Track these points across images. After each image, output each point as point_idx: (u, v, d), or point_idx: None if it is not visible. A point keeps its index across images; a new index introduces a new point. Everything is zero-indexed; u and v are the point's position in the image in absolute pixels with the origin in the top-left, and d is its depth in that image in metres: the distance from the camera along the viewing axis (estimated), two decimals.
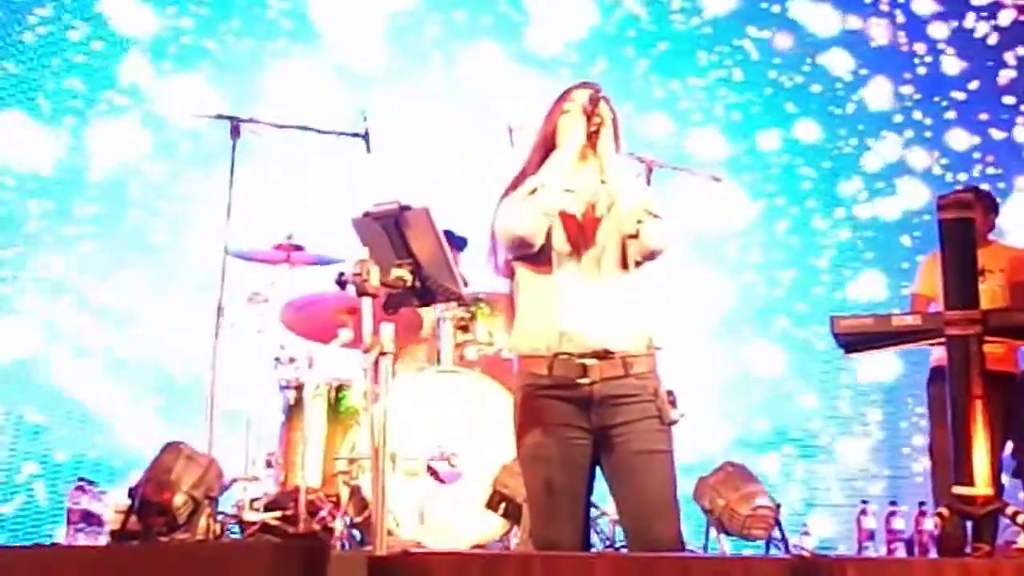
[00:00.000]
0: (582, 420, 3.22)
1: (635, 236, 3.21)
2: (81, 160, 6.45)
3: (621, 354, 3.21)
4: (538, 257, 3.26)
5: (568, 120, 3.33)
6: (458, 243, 5.39)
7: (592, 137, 3.29)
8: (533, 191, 3.21)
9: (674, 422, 3.22)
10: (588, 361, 3.20)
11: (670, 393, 3.23)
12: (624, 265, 3.27)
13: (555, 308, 3.22)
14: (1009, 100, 7.56)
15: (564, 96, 3.40)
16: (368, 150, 5.53)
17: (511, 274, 3.37)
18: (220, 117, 5.48)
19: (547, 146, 3.35)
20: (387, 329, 3.39)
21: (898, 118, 7.52)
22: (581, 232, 3.27)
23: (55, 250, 6.27)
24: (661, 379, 3.26)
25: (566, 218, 3.26)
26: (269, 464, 5.04)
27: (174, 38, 6.67)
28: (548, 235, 3.24)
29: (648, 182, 5.42)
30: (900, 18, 7.60)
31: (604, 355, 3.20)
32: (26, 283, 6.16)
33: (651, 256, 3.26)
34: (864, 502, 5.49)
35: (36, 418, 6.05)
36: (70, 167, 6.42)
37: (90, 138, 6.50)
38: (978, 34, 7.63)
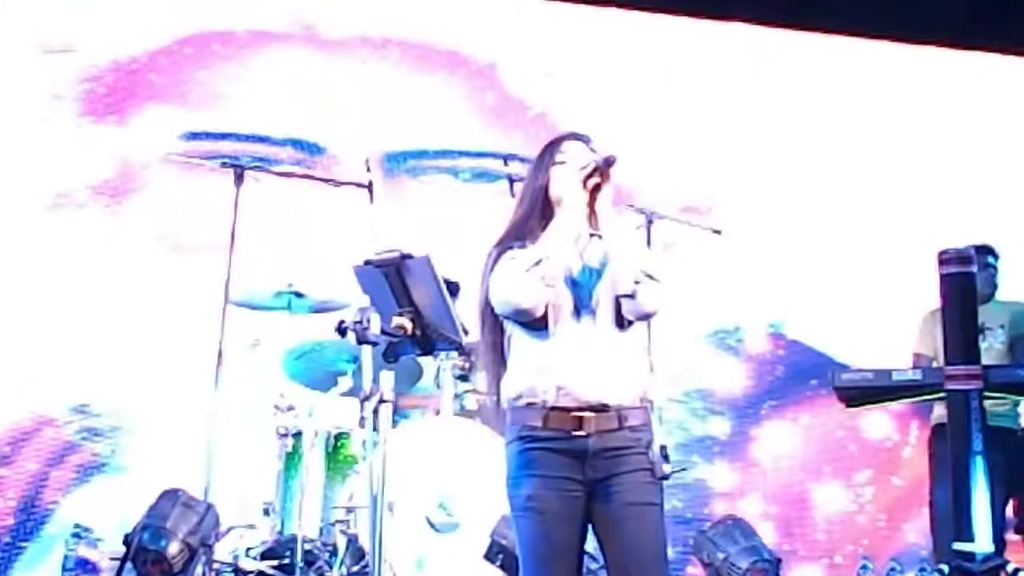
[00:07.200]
0: (577, 472, 3.18)
1: (631, 296, 3.20)
2: None
3: (616, 407, 3.19)
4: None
5: (562, 174, 3.31)
6: (451, 289, 5.40)
7: (592, 194, 3.27)
8: (538, 262, 3.18)
9: (665, 477, 3.18)
10: (584, 414, 3.18)
11: (663, 448, 3.19)
12: (619, 322, 3.25)
13: (552, 362, 3.20)
14: None
15: (554, 147, 3.37)
16: (371, 200, 5.57)
17: (496, 324, 3.34)
18: (224, 164, 5.51)
19: (539, 201, 3.33)
20: (387, 377, 3.39)
21: None
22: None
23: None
24: (654, 433, 3.23)
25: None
26: (266, 512, 5.00)
27: None
28: None
29: (648, 234, 5.44)
30: None
31: (600, 408, 3.18)
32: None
33: (645, 317, 3.26)
34: (865, 558, 5.46)
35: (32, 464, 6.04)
36: None
37: None
38: None
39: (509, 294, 3.20)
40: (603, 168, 3.25)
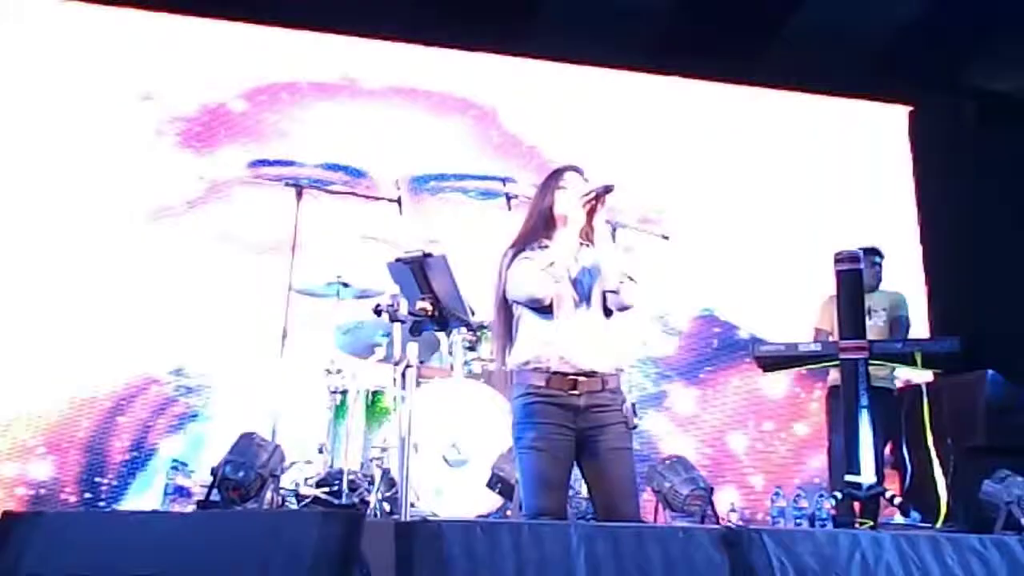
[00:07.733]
0: (570, 422, 3.22)
1: (615, 292, 3.26)
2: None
3: (601, 374, 3.24)
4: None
5: (564, 197, 3.33)
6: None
7: (590, 215, 3.29)
8: (551, 264, 3.23)
9: (635, 427, 3.25)
10: (579, 378, 3.22)
11: (633, 405, 3.28)
12: (605, 311, 3.31)
13: (555, 338, 3.24)
14: None
15: (557, 176, 3.40)
16: (400, 212, 5.56)
17: (507, 308, 3.35)
18: (288, 185, 5.52)
19: (545, 216, 3.36)
20: (413, 348, 3.37)
21: None
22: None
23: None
24: (625, 394, 3.31)
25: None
26: (320, 451, 4.99)
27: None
28: None
29: (614, 240, 5.40)
30: None
31: (590, 374, 3.23)
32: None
33: (624, 309, 3.31)
34: (777, 487, 5.44)
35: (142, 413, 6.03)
36: None
37: None
38: None
39: (527, 286, 3.24)
40: (602, 193, 3.28)
